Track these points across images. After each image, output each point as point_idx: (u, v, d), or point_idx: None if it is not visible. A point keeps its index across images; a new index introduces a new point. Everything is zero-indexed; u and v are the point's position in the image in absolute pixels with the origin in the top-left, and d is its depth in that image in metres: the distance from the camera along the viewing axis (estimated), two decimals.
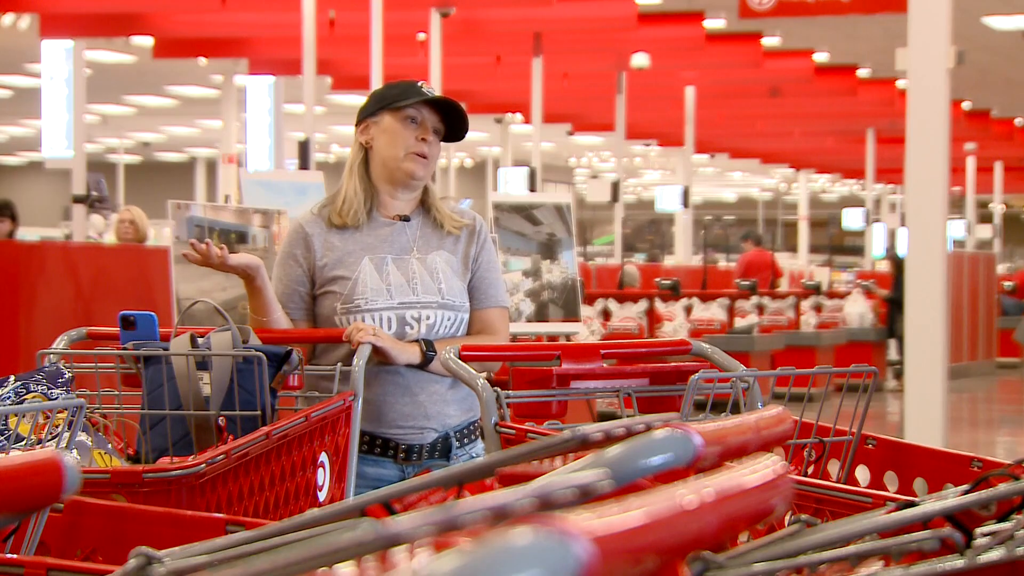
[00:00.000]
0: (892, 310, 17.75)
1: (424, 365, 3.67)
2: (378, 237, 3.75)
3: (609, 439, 1.52)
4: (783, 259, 25.04)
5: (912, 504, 2.00)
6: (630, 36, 16.43)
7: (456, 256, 3.79)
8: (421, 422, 3.71)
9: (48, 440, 2.66)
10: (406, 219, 3.78)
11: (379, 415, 3.67)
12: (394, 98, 3.73)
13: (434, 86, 13.51)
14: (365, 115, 3.78)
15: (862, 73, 21.41)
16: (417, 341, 3.68)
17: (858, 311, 18.26)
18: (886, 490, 3.00)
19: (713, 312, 15.26)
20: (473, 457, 3.78)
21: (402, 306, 3.68)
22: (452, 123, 3.77)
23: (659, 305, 14.64)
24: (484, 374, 3.29)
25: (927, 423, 9.00)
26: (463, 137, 3.79)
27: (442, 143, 3.79)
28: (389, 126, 3.73)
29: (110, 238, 14.64)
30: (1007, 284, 24.04)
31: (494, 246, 3.92)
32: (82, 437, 3.03)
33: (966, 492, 2.10)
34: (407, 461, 3.70)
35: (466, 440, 3.77)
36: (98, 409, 3.21)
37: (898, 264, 17.64)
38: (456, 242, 3.80)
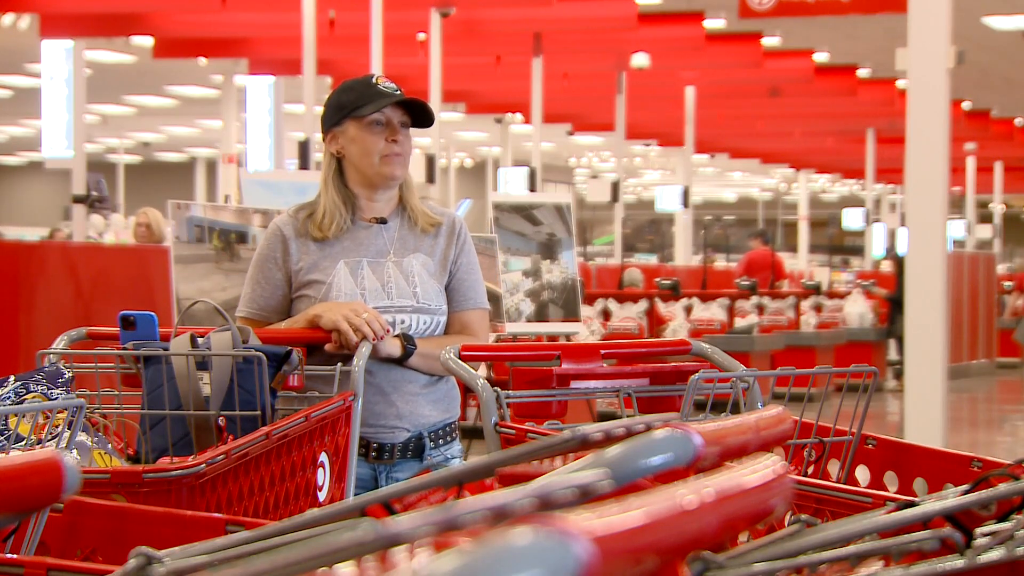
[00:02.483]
0: (893, 310, 17.76)
1: (403, 359, 3.66)
2: (355, 241, 3.73)
3: (609, 439, 1.52)
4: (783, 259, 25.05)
5: (912, 504, 2.00)
6: (630, 36, 16.43)
7: (433, 258, 3.76)
8: (393, 421, 3.70)
9: (48, 440, 2.66)
10: (383, 221, 3.76)
11: None
12: (353, 104, 3.69)
13: (434, 86, 13.36)
14: (329, 125, 3.75)
15: (862, 73, 21.41)
16: (399, 335, 3.66)
17: (858, 311, 18.26)
18: (886, 490, 3.00)
19: (713, 312, 15.26)
20: (449, 459, 3.76)
21: (376, 310, 3.66)
22: (417, 109, 3.74)
23: (659, 305, 14.64)
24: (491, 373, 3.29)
25: (927, 423, 9.00)
26: (432, 122, 3.76)
27: (415, 127, 3.75)
28: (356, 135, 3.70)
29: (110, 238, 14.67)
30: (1007, 284, 24.05)
31: (474, 248, 3.89)
32: (82, 437, 3.03)
33: (966, 492, 2.10)
34: (379, 460, 3.69)
35: (441, 441, 3.75)
36: (98, 409, 3.21)
37: (901, 264, 17.65)
38: (434, 243, 3.78)
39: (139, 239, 11.61)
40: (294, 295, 3.73)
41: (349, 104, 3.71)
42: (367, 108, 3.67)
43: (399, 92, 3.72)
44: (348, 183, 3.75)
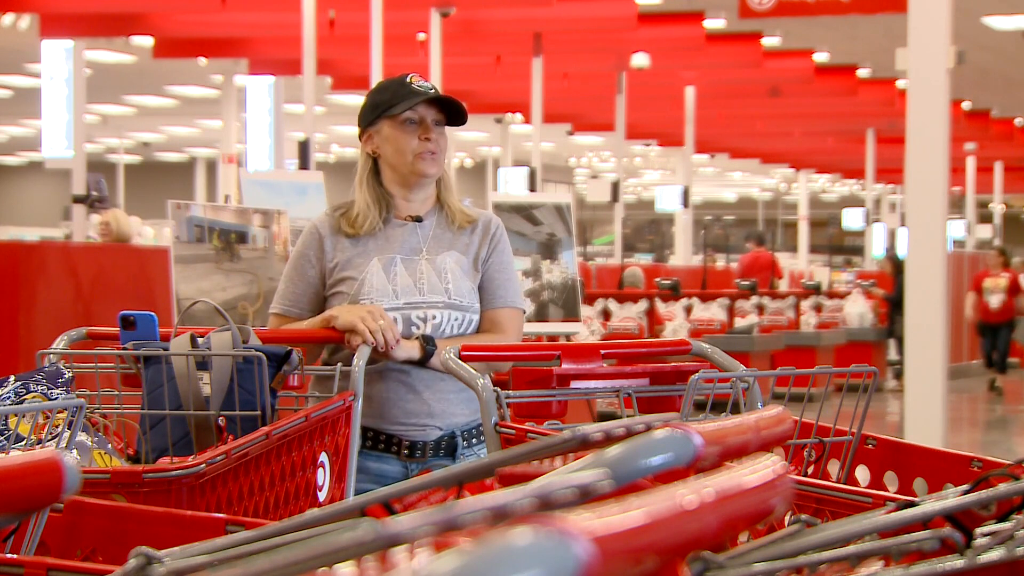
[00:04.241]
0: (892, 310, 17.76)
1: (424, 361, 3.66)
2: (389, 239, 3.75)
3: (609, 439, 1.52)
4: (783, 259, 25.07)
5: (912, 504, 2.00)
6: (630, 36, 16.43)
7: (467, 256, 3.78)
8: (424, 420, 3.71)
9: (48, 440, 2.66)
10: (418, 219, 3.79)
11: (383, 412, 3.68)
12: (387, 104, 3.72)
13: (433, 85, 13.22)
14: (365, 125, 3.79)
15: (862, 73, 21.41)
16: (419, 337, 3.67)
17: (858, 311, 18.27)
18: (886, 490, 3.00)
19: (713, 312, 15.27)
20: (480, 457, 3.77)
21: (408, 306, 3.68)
22: (450, 108, 3.75)
23: (659, 305, 14.64)
24: (489, 373, 3.29)
25: (927, 423, 9.00)
26: (465, 121, 3.77)
27: (448, 126, 3.77)
28: (390, 134, 3.73)
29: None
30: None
31: (510, 249, 3.88)
32: (82, 437, 3.03)
33: (966, 492, 2.10)
34: (411, 458, 3.71)
35: (474, 441, 3.76)
36: (98, 409, 3.21)
37: (897, 264, 17.64)
38: (468, 241, 3.79)
39: (101, 236, 12.04)
40: (328, 292, 3.76)
41: (383, 103, 3.74)
42: (400, 107, 3.69)
43: (433, 91, 3.73)
44: (384, 182, 3.79)
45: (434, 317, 3.71)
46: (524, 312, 3.89)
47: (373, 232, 3.74)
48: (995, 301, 18.25)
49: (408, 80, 3.74)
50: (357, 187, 3.79)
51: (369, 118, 3.77)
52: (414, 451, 3.71)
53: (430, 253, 3.76)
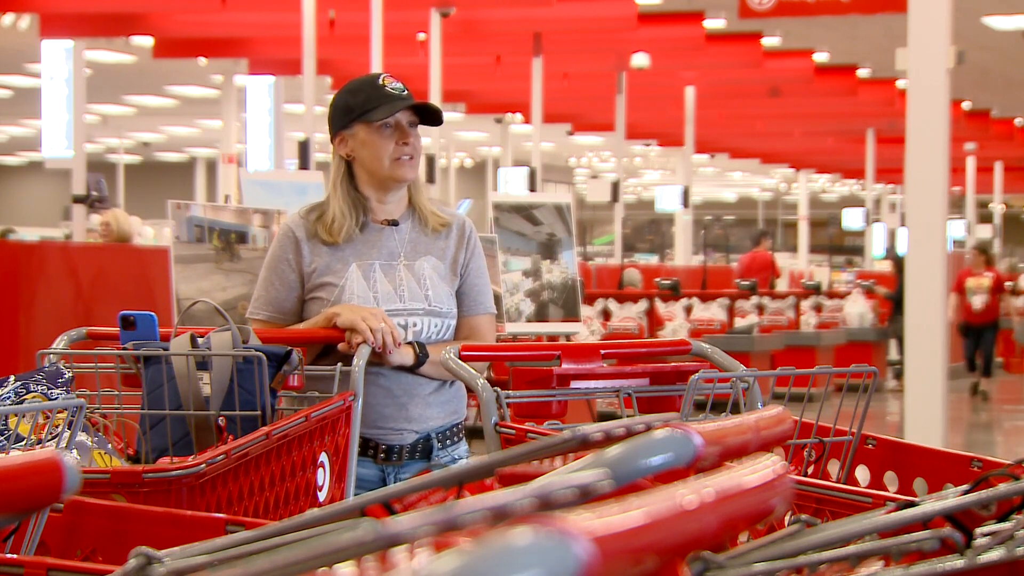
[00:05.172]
0: (893, 310, 17.76)
1: (416, 367, 3.66)
2: (366, 243, 3.72)
3: (609, 439, 1.52)
4: (783, 259, 25.08)
5: (912, 504, 2.00)
6: (630, 36, 16.44)
7: (444, 262, 3.76)
8: (402, 424, 3.70)
9: (48, 440, 2.66)
10: (394, 223, 3.75)
11: (361, 416, 3.66)
12: (362, 108, 3.66)
13: (434, 86, 13.35)
14: (338, 128, 3.71)
15: (862, 73, 21.42)
16: (411, 343, 3.66)
17: (858, 311, 18.27)
18: (886, 490, 3.00)
19: (713, 312, 15.27)
20: (456, 459, 3.77)
21: (388, 313, 3.65)
22: (425, 108, 3.72)
23: (659, 305, 14.64)
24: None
25: (927, 423, 9.00)
26: (441, 121, 3.73)
27: (424, 125, 3.73)
28: (366, 138, 3.67)
29: None
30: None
31: (483, 251, 3.87)
32: (82, 437, 3.03)
33: (966, 492, 2.10)
34: (387, 461, 3.70)
35: (448, 442, 3.75)
36: (98, 409, 3.21)
37: (899, 263, 17.64)
38: (444, 245, 3.77)
39: (101, 236, 12.05)
40: (306, 297, 3.72)
41: (358, 107, 3.67)
42: (378, 113, 3.64)
43: (407, 93, 3.69)
44: (358, 185, 3.73)
45: (415, 325, 3.70)
46: (495, 314, 3.91)
47: (351, 238, 3.71)
48: (978, 302, 18.08)
49: (381, 82, 3.68)
50: (331, 192, 3.72)
51: (342, 121, 3.70)
52: (390, 455, 3.69)
53: (408, 259, 3.73)
